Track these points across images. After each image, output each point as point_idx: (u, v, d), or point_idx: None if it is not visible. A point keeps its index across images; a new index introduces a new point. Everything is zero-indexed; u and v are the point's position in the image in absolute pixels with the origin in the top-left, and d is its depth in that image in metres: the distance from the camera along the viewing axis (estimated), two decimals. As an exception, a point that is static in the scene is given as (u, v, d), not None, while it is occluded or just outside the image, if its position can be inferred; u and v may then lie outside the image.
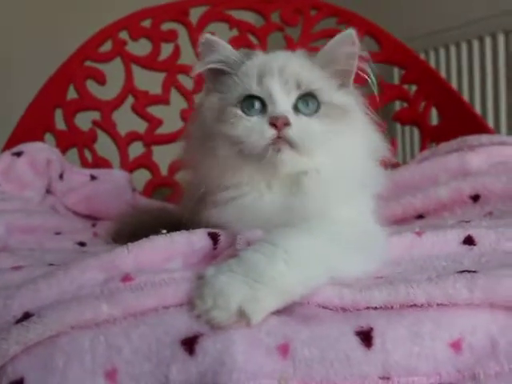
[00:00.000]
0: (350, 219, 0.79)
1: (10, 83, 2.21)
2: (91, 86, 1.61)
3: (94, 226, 1.29)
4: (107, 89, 1.61)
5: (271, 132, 0.78)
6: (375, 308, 0.64)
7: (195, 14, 1.72)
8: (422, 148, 1.62)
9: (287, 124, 0.78)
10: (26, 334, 0.61)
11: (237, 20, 1.74)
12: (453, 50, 2.13)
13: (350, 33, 0.85)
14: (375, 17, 1.75)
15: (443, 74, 2.09)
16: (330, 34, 1.71)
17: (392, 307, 0.63)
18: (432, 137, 1.62)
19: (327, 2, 1.76)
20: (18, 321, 0.63)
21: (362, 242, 0.73)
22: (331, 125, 0.82)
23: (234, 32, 1.73)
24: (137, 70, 1.66)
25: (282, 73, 0.82)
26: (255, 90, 0.81)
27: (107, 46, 1.65)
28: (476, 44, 2.06)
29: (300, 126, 0.79)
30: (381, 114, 1.72)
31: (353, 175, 0.84)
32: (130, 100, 1.64)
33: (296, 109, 0.81)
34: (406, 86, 1.73)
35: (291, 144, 0.78)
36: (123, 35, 1.66)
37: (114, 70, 1.62)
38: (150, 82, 1.65)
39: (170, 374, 0.60)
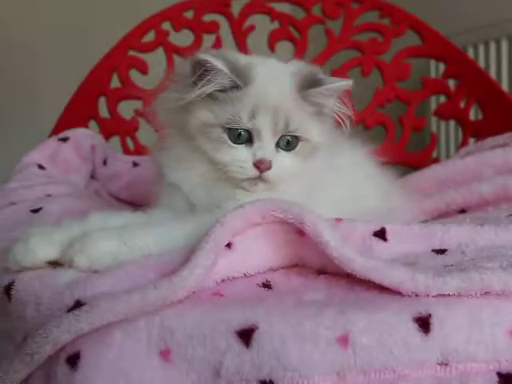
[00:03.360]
0: None
1: (58, 71, 2.26)
2: (134, 75, 1.63)
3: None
4: (149, 78, 1.63)
5: (253, 172, 0.84)
6: (448, 295, 0.64)
7: (237, 5, 1.73)
8: (463, 143, 1.61)
9: (269, 168, 0.83)
10: (77, 323, 0.62)
11: (278, 12, 1.74)
12: (492, 46, 2.10)
13: (348, 84, 0.88)
14: (417, 11, 1.75)
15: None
16: (371, 28, 1.72)
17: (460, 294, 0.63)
18: (474, 132, 1.61)
19: (369, -5, 1.75)
20: (70, 309, 0.64)
21: None
22: (303, 161, 0.88)
23: (275, 24, 1.74)
24: (178, 61, 1.67)
25: (275, 113, 0.84)
26: (245, 124, 0.83)
27: (150, 37, 1.67)
28: (516, 41, 2.03)
29: (278, 165, 0.85)
30: (421, 108, 1.72)
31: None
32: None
33: (277, 144, 0.86)
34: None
35: (267, 182, 0.85)
36: (166, 26, 1.68)
37: (156, 60, 1.64)
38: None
39: (224, 361, 0.61)
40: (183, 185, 0.89)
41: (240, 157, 0.84)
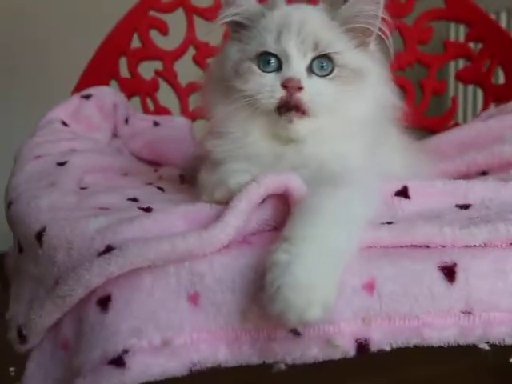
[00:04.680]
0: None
1: (78, 30, 2.26)
2: (154, 35, 1.62)
3: (156, 171, 1.32)
4: (169, 39, 1.62)
5: (282, 93, 0.79)
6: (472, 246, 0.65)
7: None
8: (484, 108, 1.59)
9: (300, 88, 0.79)
10: (107, 266, 0.63)
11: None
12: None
13: None
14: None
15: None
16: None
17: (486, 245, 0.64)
18: (495, 96, 1.59)
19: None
20: (100, 254, 0.66)
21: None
22: (343, 87, 0.83)
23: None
24: (199, 22, 1.66)
25: (300, 31, 0.82)
26: (271, 47, 0.82)
27: (170, -4, 1.65)
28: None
29: (311, 89, 0.80)
30: (442, 72, 1.70)
31: (358, 138, 0.85)
32: (191, 51, 1.65)
33: (310, 69, 0.82)
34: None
35: (301, 109, 0.80)
36: (186, -14, 1.66)
37: (176, 21, 1.63)
38: (211, 33, 1.64)
39: (251, 306, 0.62)
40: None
41: (268, 81, 0.81)
